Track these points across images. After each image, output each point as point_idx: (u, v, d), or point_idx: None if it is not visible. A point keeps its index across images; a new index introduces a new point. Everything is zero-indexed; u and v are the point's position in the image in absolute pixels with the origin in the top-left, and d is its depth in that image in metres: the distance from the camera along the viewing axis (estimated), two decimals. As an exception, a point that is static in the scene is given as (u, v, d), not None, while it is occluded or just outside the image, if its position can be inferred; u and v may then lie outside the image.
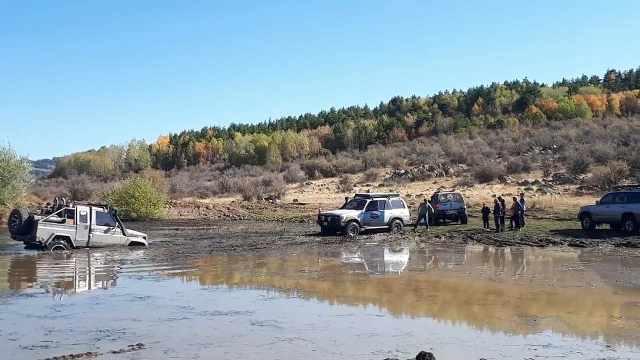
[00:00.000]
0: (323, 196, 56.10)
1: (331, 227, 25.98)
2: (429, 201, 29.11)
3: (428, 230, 26.78)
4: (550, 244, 21.45)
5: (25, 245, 20.78)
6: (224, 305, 10.53)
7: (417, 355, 7.01)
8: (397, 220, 26.93)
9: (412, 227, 27.48)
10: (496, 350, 7.40)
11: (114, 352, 7.39)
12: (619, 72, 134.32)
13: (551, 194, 42.78)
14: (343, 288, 13.40)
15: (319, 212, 29.61)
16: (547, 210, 32.94)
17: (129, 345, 7.67)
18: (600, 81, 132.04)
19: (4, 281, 15.24)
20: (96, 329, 8.60)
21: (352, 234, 25.36)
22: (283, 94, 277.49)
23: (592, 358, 7.02)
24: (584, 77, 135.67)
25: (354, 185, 63.80)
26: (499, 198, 27.36)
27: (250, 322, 9.14)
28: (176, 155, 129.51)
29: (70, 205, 21.22)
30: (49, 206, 22.33)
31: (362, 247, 22.22)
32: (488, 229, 26.31)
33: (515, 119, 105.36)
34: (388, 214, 26.71)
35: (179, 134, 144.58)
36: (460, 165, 68.26)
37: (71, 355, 7.17)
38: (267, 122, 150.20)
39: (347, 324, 9.11)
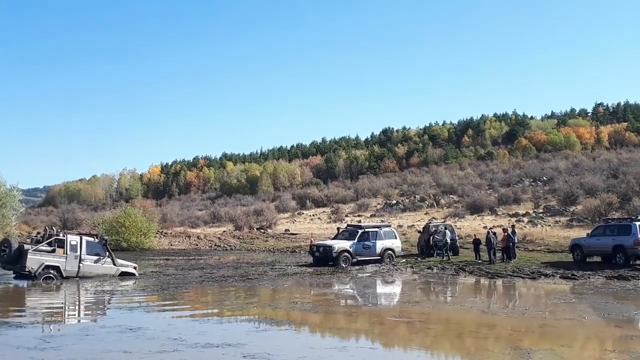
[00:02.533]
0: (315, 226, 56.03)
1: (323, 257, 25.91)
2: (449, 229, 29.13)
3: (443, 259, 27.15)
4: (542, 276, 21.46)
5: (14, 275, 20.55)
6: (215, 337, 10.43)
7: (410, 389, 6.98)
8: (389, 251, 26.88)
9: (442, 257, 27.57)
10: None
11: (104, 385, 7.30)
12: (607, 105, 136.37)
13: (542, 225, 42.97)
14: (335, 320, 13.33)
15: (311, 242, 29.58)
16: (538, 242, 33.06)
17: (120, 378, 7.59)
18: (589, 114, 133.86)
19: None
20: (86, 361, 8.50)
21: (344, 265, 25.28)
22: (275, 124, 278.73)
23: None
24: (573, 109, 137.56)
25: (346, 216, 63.86)
26: (491, 229, 27.47)
27: (242, 355, 9.06)
28: (167, 185, 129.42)
29: (61, 235, 21.05)
30: (39, 235, 22.14)
31: (354, 278, 22.14)
32: (480, 261, 26.31)
33: (505, 150, 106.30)
34: (380, 245, 26.67)
35: (170, 163, 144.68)
36: (451, 196, 68.54)
37: (61, 388, 7.08)
38: (259, 151, 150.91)
39: (340, 356, 9.06)
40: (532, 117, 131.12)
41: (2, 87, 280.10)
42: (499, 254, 26.13)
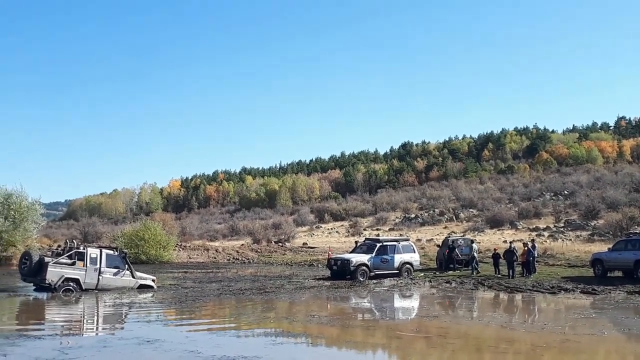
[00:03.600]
0: (333, 240, 55.96)
1: (341, 271, 25.85)
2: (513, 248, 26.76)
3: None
4: (562, 291, 21.19)
5: (34, 287, 20.80)
6: (232, 350, 10.45)
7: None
8: (407, 265, 26.72)
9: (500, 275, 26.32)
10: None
11: (121, 396, 7.35)
12: (630, 119, 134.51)
13: (563, 240, 42.47)
14: (352, 334, 13.27)
15: (329, 256, 29.54)
16: (558, 257, 32.70)
17: (136, 390, 7.64)
18: (611, 127, 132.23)
19: (12, 323, 15.24)
20: (103, 373, 8.57)
21: (361, 279, 25.19)
22: (294, 138, 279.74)
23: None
24: (594, 123, 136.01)
25: (364, 229, 63.70)
26: (512, 243, 27.18)
27: (258, 368, 9.08)
28: (187, 199, 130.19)
29: (81, 248, 21.30)
30: (59, 248, 22.41)
31: (371, 292, 22.04)
32: (499, 275, 26.08)
33: (525, 164, 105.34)
34: (398, 259, 26.54)
35: (190, 177, 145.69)
36: (471, 210, 68.01)
37: (78, 399, 7.15)
38: (278, 165, 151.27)
39: (356, 370, 9.02)
40: (553, 131, 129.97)
41: (25, 102, 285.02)
42: (518, 269, 25.90)
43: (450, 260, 29.60)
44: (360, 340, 12.47)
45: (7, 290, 21.68)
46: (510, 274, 25.24)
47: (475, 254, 27.66)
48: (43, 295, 19.79)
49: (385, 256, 26.33)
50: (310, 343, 11.78)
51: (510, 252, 25.69)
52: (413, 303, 20.04)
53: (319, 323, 14.37)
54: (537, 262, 27.15)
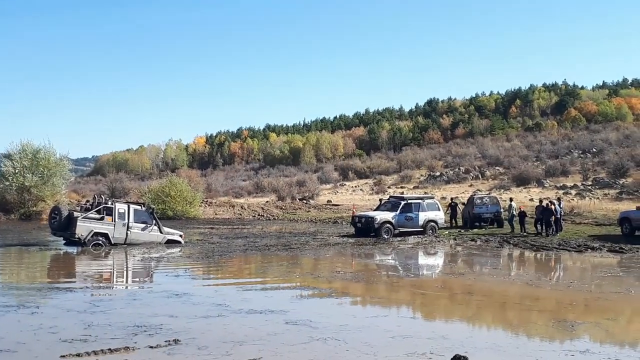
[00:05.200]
0: (357, 197, 56.04)
1: (365, 228, 25.92)
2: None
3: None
4: (588, 249, 21.03)
5: (64, 242, 21.26)
6: (258, 304, 10.62)
7: (451, 358, 6.97)
8: (432, 223, 26.68)
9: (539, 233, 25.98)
10: (532, 355, 7.32)
11: (151, 347, 7.53)
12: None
13: (590, 198, 41.93)
14: (377, 290, 13.38)
15: (353, 213, 29.60)
16: (585, 215, 32.37)
17: (166, 341, 7.81)
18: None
19: (44, 276, 15.66)
20: (134, 324, 8.77)
21: (385, 236, 25.26)
22: (318, 95, 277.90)
23: (631, 366, 6.89)
24: (625, 79, 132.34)
25: (388, 187, 63.59)
26: (542, 201, 26.68)
27: (285, 321, 9.21)
28: (212, 155, 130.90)
29: (109, 203, 21.63)
30: (88, 203, 22.78)
31: (396, 249, 22.11)
32: (525, 233, 25.94)
33: (553, 121, 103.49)
34: (423, 217, 26.49)
35: (214, 134, 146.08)
36: (497, 168, 67.36)
37: (109, 349, 7.34)
38: (302, 123, 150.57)
39: (381, 325, 9.10)
40: (582, 87, 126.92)
41: (54, 60, 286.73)
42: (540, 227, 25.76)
43: (454, 215, 30.09)
44: (384, 297, 12.57)
45: (39, 244, 22.24)
46: (549, 232, 25.07)
47: (515, 212, 27.25)
48: (73, 249, 20.25)
49: (409, 214, 26.29)
50: (335, 298, 11.89)
51: (547, 211, 25.42)
52: (437, 260, 20.07)
53: (344, 279, 14.50)
54: (563, 220, 26.90)
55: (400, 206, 26.37)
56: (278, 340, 8.03)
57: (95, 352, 7.18)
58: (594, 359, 7.26)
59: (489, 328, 9.68)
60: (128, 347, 7.47)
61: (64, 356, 7.00)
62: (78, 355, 7.06)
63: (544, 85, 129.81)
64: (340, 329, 8.72)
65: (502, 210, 30.14)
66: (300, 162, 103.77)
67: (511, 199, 29.59)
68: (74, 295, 11.64)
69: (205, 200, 45.64)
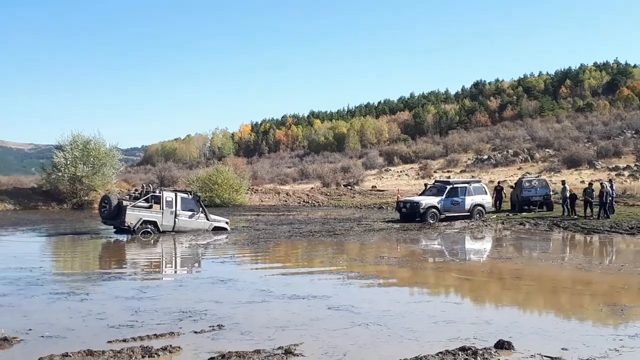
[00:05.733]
0: (402, 182, 55.67)
1: (410, 213, 25.71)
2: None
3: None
4: (642, 231, 20.35)
5: (114, 230, 21.80)
6: (302, 290, 10.65)
7: (495, 344, 6.83)
8: (479, 207, 26.27)
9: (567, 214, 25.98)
10: (579, 340, 7.10)
11: (195, 332, 7.62)
12: None
13: (645, 179, 40.56)
14: (422, 275, 13.23)
15: (398, 198, 29.42)
16: (639, 197, 31.30)
17: (210, 326, 7.91)
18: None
19: (95, 264, 16.09)
20: (179, 310, 8.91)
21: (431, 221, 25.00)
22: (362, 80, 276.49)
23: (686, 352, 6.61)
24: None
25: (434, 172, 63.01)
26: (604, 183, 25.89)
27: (327, 307, 9.20)
28: (257, 143, 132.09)
29: (157, 192, 22.04)
30: (136, 192, 23.27)
31: (441, 234, 21.85)
32: (575, 216, 25.28)
33: (605, 101, 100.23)
34: (469, 201, 26.11)
35: (259, 122, 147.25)
36: (547, 150, 65.88)
37: (155, 334, 7.46)
38: (346, 108, 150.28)
39: (425, 310, 9.01)
40: (635, 66, 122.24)
41: (105, 54, 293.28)
42: (595, 209, 25.02)
43: (499, 199, 29.55)
44: (431, 282, 12.42)
45: (90, 232, 22.88)
46: (594, 214, 24.48)
47: (567, 194, 26.51)
48: (123, 237, 20.73)
49: (455, 198, 25.93)
50: (380, 284, 11.83)
51: (589, 193, 24.78)
52: (485, 245, 19.73)
53: (389, 264, 14.41)
54: (616, 202, 26.09)
55: (446, 190, 26.03)
56: (320, 325, 8.03)
57: (141, 338, 7.31)
58: (645, 344, 7.01)
59: (536, 313, 9.46)
60: (173, 333, 7.59)
61: (110, 341, 7.15)
62: (124, 340, 7.20)
63: (595, 64, 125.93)
64: (383, 314, 8.66)
65: (551, 193, 29.43)
66: (345, 148, 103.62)
67: (563, 182, 28.89)
68: (122, 282, 11.92)
69: (251, 187, 46.14)
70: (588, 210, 25.15)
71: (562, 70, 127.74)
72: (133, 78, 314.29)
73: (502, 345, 6.80)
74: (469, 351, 6.54)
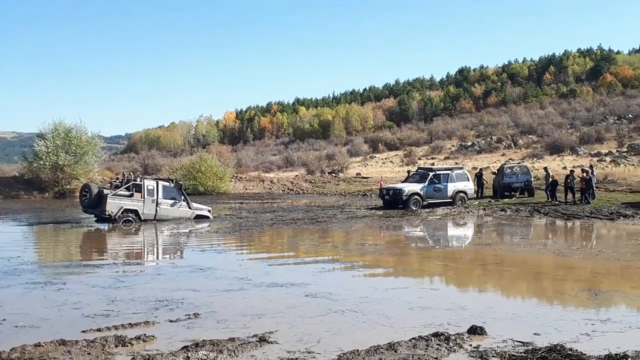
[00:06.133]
0: (386, 170, 55.79)
1: (393, 200, 25.81)
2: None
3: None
4: (621, 217, 20.59)
5: (96, 219, 21.66)
6: (280, 277, 10.67)
7: (468, 329, 6.91)
8: (461, 194, 26.43)
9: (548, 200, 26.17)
10: (552, 325, 7.19)
11: (171, 321, 7.62)
12: None
13: (625, 165, 40.98)
14: (402, 262, 13.30)
15: (381, 185, 29.48)
16: (619, 182, 31.74)
17: (186, 315, 7.90)
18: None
19: (74, 253, 15.99)
20: (156, 299, 8.90)
21: (414, 208, 25.10)
22: (347, 68, 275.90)
23: (654, 335, 6.72)
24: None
25: (419, 159, 63.20)
26: (585, 169, 26.13)
27: (305, 294, 9.23)
28: (242, 131, 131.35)
29: (138, 180, 21.91)
30: (117, 181, 23.13)
31: (424, 220, 21.96)
32: (556, 202, 25.52)
33: (588, 87, 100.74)
34: (451, 187, 26.24)
35: (244, 110, 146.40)
36: (530, 136, 66.28)
37: (130, 324, 7.44)
38: (331, 96, 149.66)
39: (402, 297, 9.06)
40: (618, 52, 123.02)
41: (89, 42, 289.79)
42: (577, 195, 25.29)
43: (480, 185, 29.64)
44: (410, 269, 12.51)
45: (71, 221, 22.73)
46: (576, 200, 24.79)
47: (550, 180, 26.71)
48: (104, 226, 20.62)
49: (438, 185, 26.06)
50: (359, 271, 11.88)
51: (571, 179, 25.06)
52: (467, 231, 19.87)
53: (369, 252, 14.46)
54: (596, 188, 26.35)
55: (429, 177, 26.15)
56: (296, 312, 8.06)
57: (115, 327, 7.30)
58: (615, 327, 7.10)
59: (511, 299, 9.56)
60: (148, 322, 7.57)
61: (85, 331, 7.13)
62: (99, 330, 7.18)
63: (579, 50, 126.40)
64: (360, 301, 8.71)
65: (532, 179, 29.67)
66: (330, 135, 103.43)
67: (546, 168, 29.09)
68: (100, 271, 11.86)
69: (236, 175, 45.98)
70: (570, 196, 25.37)
71: (546, 56, 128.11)
72: (118, 66, 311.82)
73: (475, 330, 6.87)
74: (441, 337, 6.60)
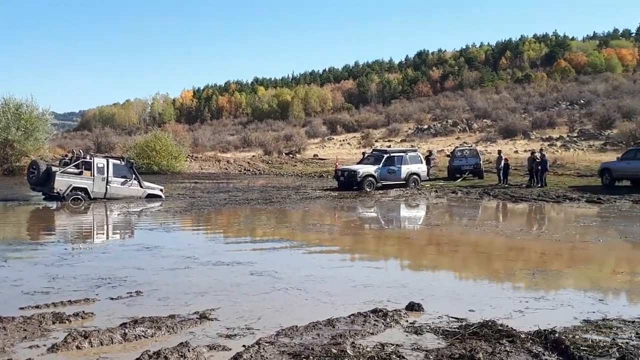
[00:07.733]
0: (344, 151, 55.96)
1: (348, 182, 25.98)
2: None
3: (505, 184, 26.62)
4: (567, 200, 21.23)
5: (44, 197, 21.20)
6: (227, 256, 10.67)
7: (406, 306, 7.06)
8: (415, 176, 26.77)
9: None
10: (487, 302, 7.40)
11: (112, 299, 7.56)
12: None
13: (575, 150, 42.09)
14: (352, 242, 13.45)
15: (336, 167, 29.62)
16: (568, 167, 32.59)
17: (128, 293, 7.85)
18: (633, 34, 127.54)
19: (19, 231, 15.63)
20: (99, 277, 8.80)
21: (368, 189, 25.33)
22: (307, 48, 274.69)
23: (582, 311, 6.98)
24: (616, 30, 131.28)
25: (376, 141, 63.48)
26: (536, 153, 26.71)
27: (250, 272, 9.26)
28: (200, 110, 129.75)
29: (88, 157, 21.50)
30: (66, 158, 22.64)
31: (377, 202, 22.19)
32: (506, 185, 26.13)
33: (543, 73, 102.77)
34: (405, 170, 26.55)
35: (202, 88, 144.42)
36: (485, 120, 67.28)
37: (69, 301, 7.36)
38: (291, 76, 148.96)
39: (347, 275, 9.16)
40: (573, 38, 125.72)
41: (38, 11, 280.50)
42: (527, 178, 26.01)
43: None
44: (358, 248, 12.65)
45: (19, 199, 22.20)
46: (532, 183, 25.52)
47: (503, 163, 27.27)
48: (52, 204, 20.20)
49: (392, 167, 26.33)
50: (306, 250, 11.96)
51: (542, 162, 25.64)
52: (419, 213, 20.17)
53: (319, 231, 14.57)
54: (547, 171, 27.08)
55: (383, 159, 26.39)
56: (240, 290, 8.09)
57: (54, 304, 7.20)
58: (547, 304, 7.36)
59: (451, 277, 9.79)
60: (88, 299, 7.50)
61: (22, 308, 7.02)
62: (37, 307, 7.08)
63: (535, 36, 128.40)
64: (305, 279, 8.79)
65: (482, 162, 30.32)
66: (289, 116, 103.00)
67: (499, 151, 29.70)
68: (45, 249, 11.68)
69: (191, 154, 45.49)
70: (536, 179, 25.95)
71: (503, 41, 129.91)
72: (71, 41, 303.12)
73: (413, 307, 7.03)
74: (379, 313, 6.73)
